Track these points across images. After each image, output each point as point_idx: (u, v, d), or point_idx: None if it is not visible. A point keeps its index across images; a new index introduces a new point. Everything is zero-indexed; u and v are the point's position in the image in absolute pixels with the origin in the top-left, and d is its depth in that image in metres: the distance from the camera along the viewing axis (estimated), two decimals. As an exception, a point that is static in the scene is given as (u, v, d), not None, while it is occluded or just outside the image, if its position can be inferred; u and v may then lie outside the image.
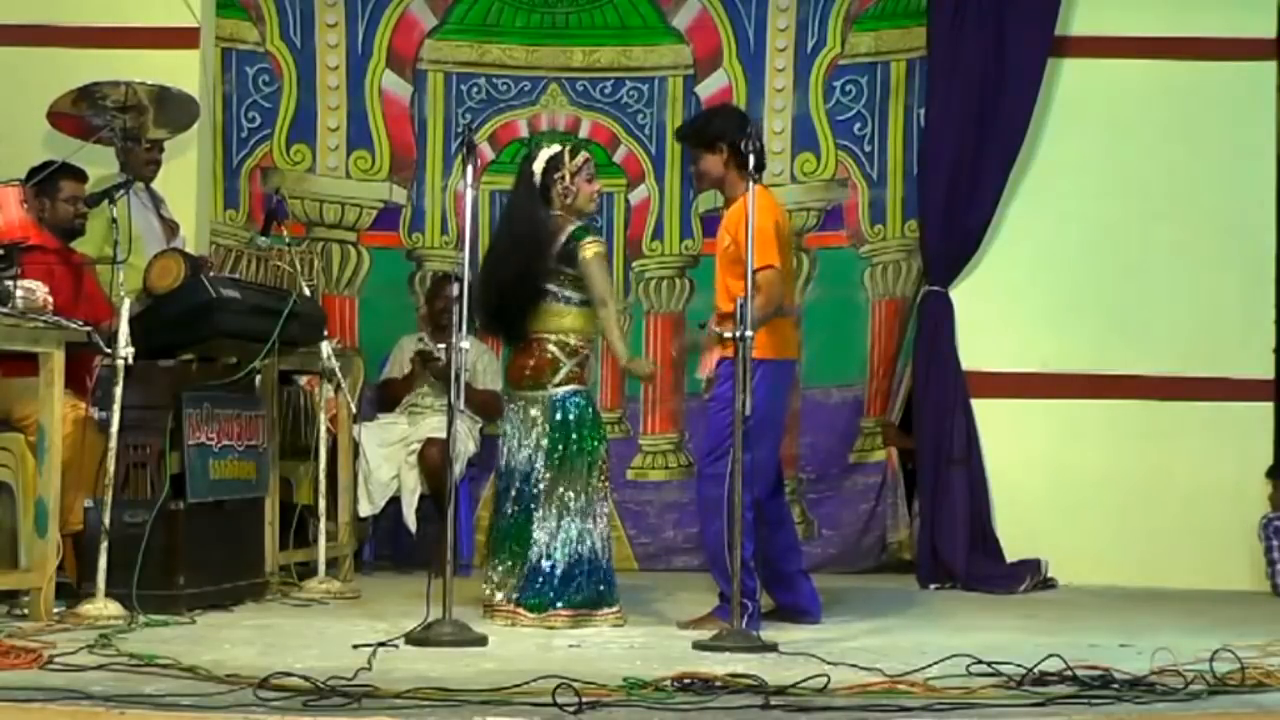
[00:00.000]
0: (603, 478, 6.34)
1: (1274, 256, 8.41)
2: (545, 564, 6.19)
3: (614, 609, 6.25)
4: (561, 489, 6.25)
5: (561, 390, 6.31)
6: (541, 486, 6.26)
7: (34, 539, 5.85)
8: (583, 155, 6.49)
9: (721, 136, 6.25)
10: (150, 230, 7.34)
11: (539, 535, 6.22)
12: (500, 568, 6.32)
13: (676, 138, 6.65)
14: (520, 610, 6.17)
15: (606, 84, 8.82)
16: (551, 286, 6.31)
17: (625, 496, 8.62)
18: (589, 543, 6.24)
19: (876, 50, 8.68)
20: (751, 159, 5.92)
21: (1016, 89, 8.29)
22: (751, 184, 5.89)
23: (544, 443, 6.29)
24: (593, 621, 6.15)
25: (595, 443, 6.31)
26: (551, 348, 6.33)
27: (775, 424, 6.34)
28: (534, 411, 6.33)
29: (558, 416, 6.29)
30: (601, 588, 6.24)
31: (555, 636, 5.85)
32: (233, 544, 6.50)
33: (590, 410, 6.37)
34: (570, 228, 6.34)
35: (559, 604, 6.15)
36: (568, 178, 6.37)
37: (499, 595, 6.27)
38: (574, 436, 6.27)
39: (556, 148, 6.51)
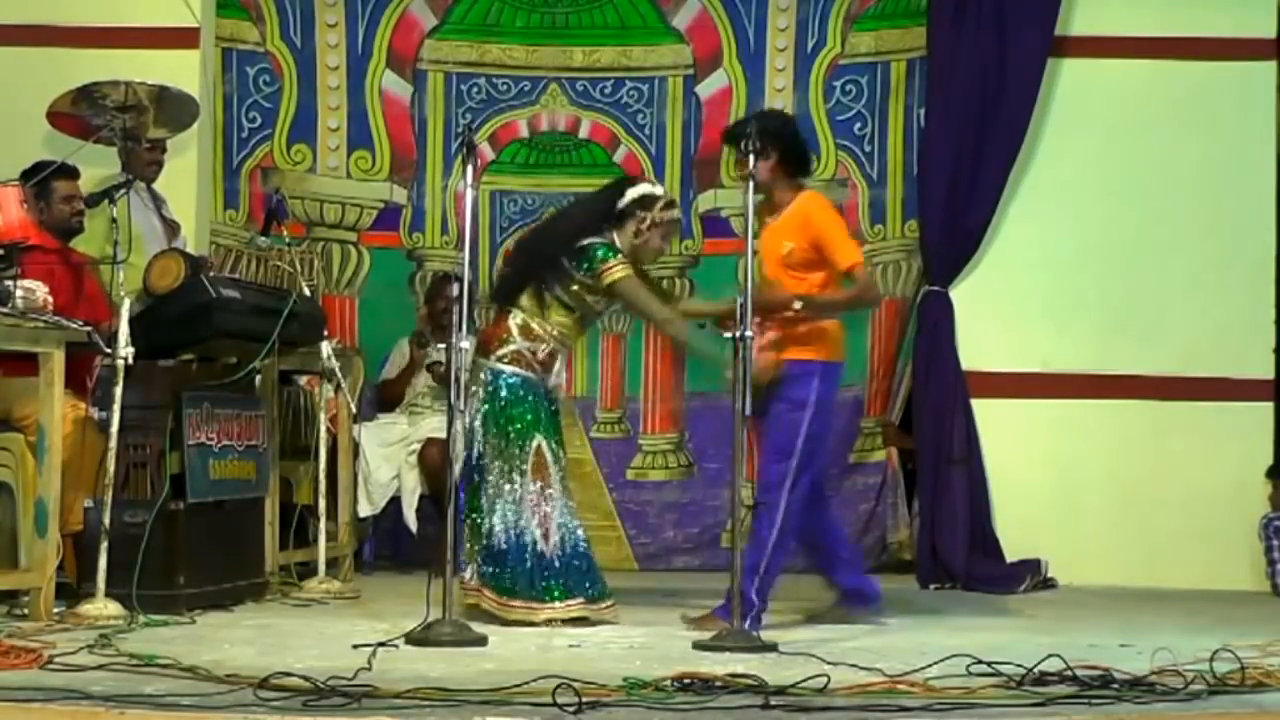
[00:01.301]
0: (538, 474, 6.16)
1: (1274, 256, 8.42)
2: (495, 543, 6.14)
3: (572, 601, 6.13)
4: (494, 470, 6.17)
5: (500, 366, 6.20)
6: (482, 462, 6.21)
7: (34, 539, 5.85)
8: (675, 213, 6.42)
9: (768, 141, 6.15)
10: (151, 230, 7.34)
11: (485, 511, 6.17)
12: (468, 542, 6.25)
13: (723, 140, 6.60)
14: (485, 591, 6.15)
15: (606, 84, 8.82)
16: (548, 277, 6.27)
17: (625, 496, 8.63)
18: (527, 533, 6.12)
19: (876, 50, 8.68)
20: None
21: (1016, 89, 8.29)
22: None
23: (480, 416, 6.20)
24: (541, 614, 6.07)
25: (527, 430, 6.16)
26: (510, 322, 6.25)
27: (825, 418, 6.27)
28: (478, 380, 6.24)
29: (488, 390, 6.19)
30: (550, 581, 6.12)
31: (555, 636, 5.84)
32: (233, 544, 6.50)
33: (527, 399, 6.19)
34: (599, 240, 6.23)
35: (513, 593, 6.09)
36: (647, 222, 6.29)
37: (468, 572, 6.23)
38: (501, 419, 6.17)
39: (660, 191, 6.43)
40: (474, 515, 6.23)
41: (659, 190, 6.46)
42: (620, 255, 6.24)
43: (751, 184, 5.82)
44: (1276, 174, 8.45)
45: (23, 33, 8.24)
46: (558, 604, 6.13)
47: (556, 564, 6.16)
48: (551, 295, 6.27)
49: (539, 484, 6.18)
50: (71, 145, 7.14)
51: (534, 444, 6.19)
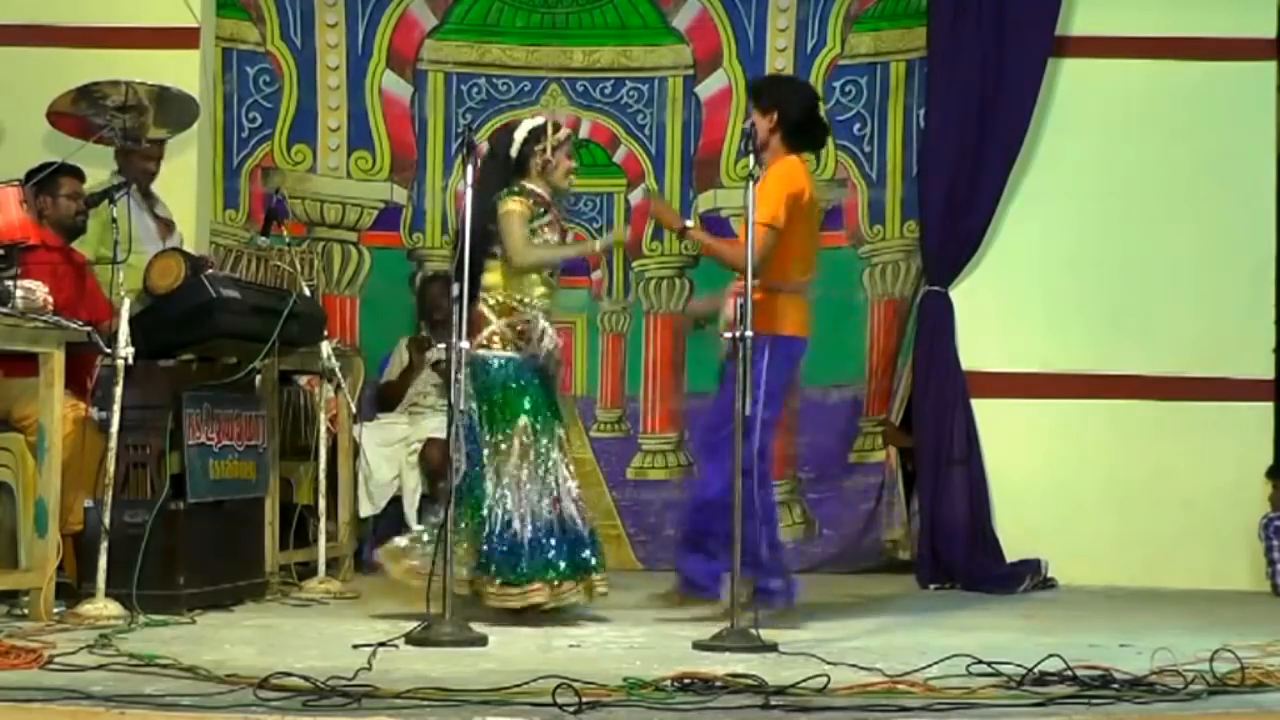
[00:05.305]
0: (538, 453, 6.15)
1: (1274, 256, 8.42)
2: (502, 532, 6.10)
3: (548, 583, 6.10)
4: (491, 457, 6.14)
5: (482, 352, 6.18)
6: (481, 454, 6.18)
7: (34, 539, 5.85)
8: (564, 131, 6.51)
9: (776, 104, 6.26)
10: (145, 229, 7.34)
11: (485, 504, 6.13)
12: (459, 539, 6.16)
13: (748, 88, 6.72)
14: (488, 585, 6.11)
15: (606, 84, 8.82)
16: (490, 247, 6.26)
17: (625, 496, 8.64)
18: (520, 515, 6.10)
19: (876, 50, 8.69)
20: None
21: (1016, 89, 8.29)
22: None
23: (470, 406, 6.12)
24: (530, 596, 6.06)
25: (513, 414, 6.16)
26: (481, 306, 6.22)
27: (772, 400, 6.20)
28: (468, 371, 6.25)
29: (475, 380, 6.14)
30: (545, 559, 6.10)
31: (555, 636, 5.84)
32: (233, 544, 6.51)
33: (511, 377, 6.18)
34: (509, 187, 6.29)
35: (501, 578, 6.07)
36: (548, 150, 6.36)
37: (463, 570, 6.15)
38: (487, 403, 6.15)
39: (540, 120, 6.53)
40: (470, 510, 6.17)
41: (539, 119, 6.54)
42: (517, 194, 6.26)
43: (751, 181, 5.83)
44: (1276, 174, 8.45)
45: (23, 33, 8.24)
46: (567, 582, 6.12)
47: (547, 540, 6.12)
48: (489, 257, 6.23)
49: (526, 462, 6.14)
50: (71, 145, 7.14)
51: (520, 424, 6.17)
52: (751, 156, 5.89)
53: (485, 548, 6.13)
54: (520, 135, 6.40)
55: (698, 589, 6.38)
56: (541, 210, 6.32)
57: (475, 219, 6.14)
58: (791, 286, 6.27)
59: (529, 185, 6.35)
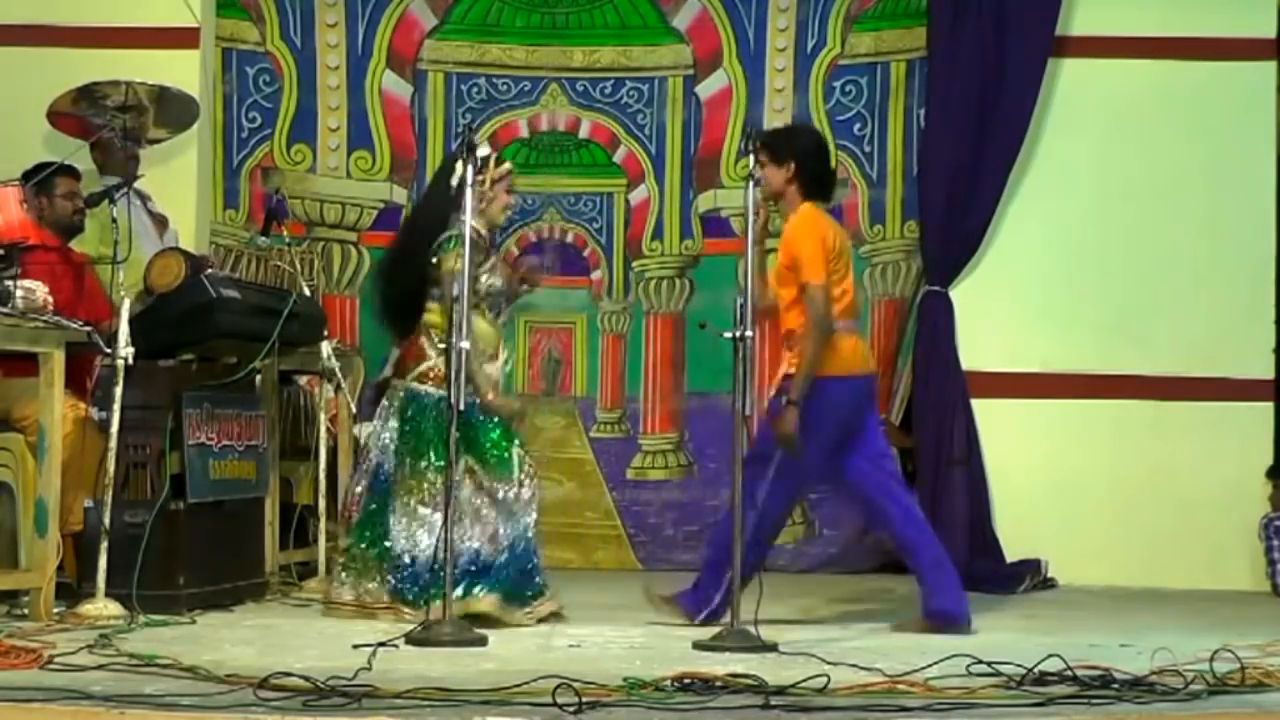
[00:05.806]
0: (471, 480, 6.09)
1: (1274, 257, 8.42)
2: (406, 558, 6.06)
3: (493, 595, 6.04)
4: (412, 489, 6.11)
5: (416, 385, 6.18)
6: (392, 479, 6.16)
7: (34, 539, 5.85)
8: (506, 165, 6.45)
9: (793, 156, 6.21)
10: (142, 227, 7.35)
11: (396, 529, 6.10)
12: (355, 558, 6.18)
13: (752, 138, 6.60)
14: (403, 608, 6.05)
15: (606, 84, 8.83)
16: (429, 285, 6.22)
17: (625, 496, 8.63)
18: (426, 548, 6.01)
19: (876, 50, 8.69)
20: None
21: (1016, 89, 8.30)
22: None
23: (391, 435, 6.19)
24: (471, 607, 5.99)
25: (436, 451, 6.08)
26: (422, 340, 6.23)
27: (819, 439, 6.11)
28: (394, 401, 6.24)
29: (405, 412, 6.17)
30: (476, 587, 6.03)
31: (555, 636, 5.84)
32: (233, 544, 6.51)
33: (441, 415, 6.02)
34: (450, 231, 6.18)
35: (414, 595, 6.02)
36: (488, 183, 6.29)
37: (347, 589, 6.16)
38: (414, 436, 6.12)
39: (485, 151, 6.42)
40: (373, 535, 6.14)
41: (484, 150, 6.44)
42: (458, 249, 6.03)
43: (752, 185, 5.82)
44: (1276, 174, 8.45)
45: (23, 33, 8.24)
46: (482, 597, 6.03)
47: (494, 563, 6.08)
48: (431, 299, 6.21)
49: (468, 491, 6.09)
50: (71, 145, 7.14)
51: (441, 463, 6.06)
52: (751, 156, 5.89)
53: (392, 580, 6.10)
54: (461, 168, 6.33)
55: (950, 621, 6.18)
56: (482, 259, 6.22)
57: (419, 254, 6.17)
58: (836, 328, 6.22)
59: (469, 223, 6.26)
